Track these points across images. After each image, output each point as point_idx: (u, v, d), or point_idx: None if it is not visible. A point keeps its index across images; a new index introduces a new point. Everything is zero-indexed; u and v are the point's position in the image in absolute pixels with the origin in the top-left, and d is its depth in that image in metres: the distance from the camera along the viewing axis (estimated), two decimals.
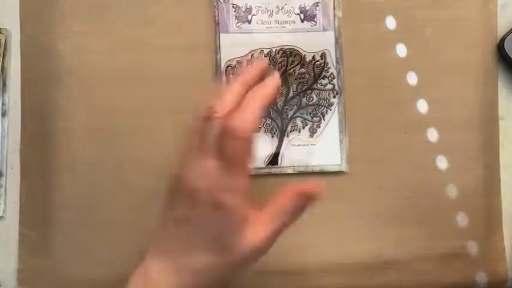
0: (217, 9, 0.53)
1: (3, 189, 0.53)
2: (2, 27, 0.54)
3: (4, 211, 0.53)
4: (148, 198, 0.53)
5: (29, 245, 0.53)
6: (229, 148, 0.38)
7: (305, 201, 0.40)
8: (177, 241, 0.40)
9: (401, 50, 0.54)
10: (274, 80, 0.41)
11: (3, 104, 0.54)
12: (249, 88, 0.41)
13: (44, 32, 0.54)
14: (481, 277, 0.53)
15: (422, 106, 0.54)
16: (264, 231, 0.39)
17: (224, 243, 0.39)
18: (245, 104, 0.39)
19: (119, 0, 0.54)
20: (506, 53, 0.53)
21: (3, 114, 0.54)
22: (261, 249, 0.40)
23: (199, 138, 0.39)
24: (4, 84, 0.54)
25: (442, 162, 0.54)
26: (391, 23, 0.54)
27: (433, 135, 0.54)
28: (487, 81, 0.54)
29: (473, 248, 0.53)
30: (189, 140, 0.41)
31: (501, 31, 0.54)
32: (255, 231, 0.39)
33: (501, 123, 0.54)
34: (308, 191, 0.40)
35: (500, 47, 0.54)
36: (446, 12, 0.54)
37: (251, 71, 0.42)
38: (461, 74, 0.54)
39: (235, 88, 0.40)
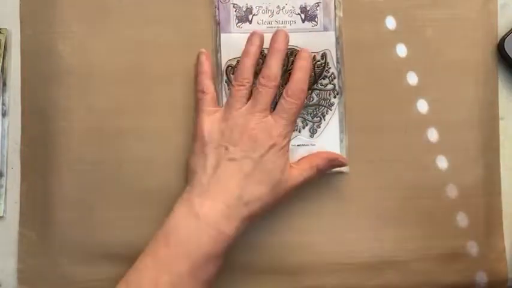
0: (218, 9, 0.53)
1: (3, 189, 0.53)
2: (2, 27, 0.54)
3: (4, 211, 0.53)
4: (148, 198, 0.53)
5: (29, 245, 0.53)
6: (287, 105, 0.49)
7: (333, 166, 0.52)
8: (233, 176, 0.47)
9: (401, 50, 0.54)
10: (305, 51, 0.52)
11: (3, 104, 0.54)
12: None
13: (44, 32, 0.54)
14: (481, 277, 0.53)
15: (422, 106, 0.54)
16: (300, 175, 0.50)
17: (276, 176, 0.48)
18: (295, 73, 0.50)
19: (119, 0, 0.54)
20: (507, 53, 0.53)
21: (4, 114, 0.54)
22: (294, 189, 0.49)
23: (256, 101, 0.49)
24: (4, 84, 0.54)
25: (442, 162, 0.54)
26: (391, 23, 0.54)
27: (433, 135, 0.54)
28: (487, 81, 0.54)
29: (473, 248, 0.53)
30: (237, 99, 0.49)
31: (501, 31, 0.54)
32: (294, 174, 0.49)
33: (501, 123, 0.54)
34: (338, 160, 0.52)
35: (500, 47, 0.54)
36: (447, 12, 0.54)
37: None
38: (462, 74, 0.54)
39: (277, 60, 0.50)
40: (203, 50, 0.52)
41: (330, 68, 0.53)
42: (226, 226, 0.46)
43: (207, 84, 0.51)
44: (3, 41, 0.54)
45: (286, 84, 0.50)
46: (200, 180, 0.48)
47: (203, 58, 0.52)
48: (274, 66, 0.49)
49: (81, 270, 0.53)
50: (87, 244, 0.53)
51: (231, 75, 0.52)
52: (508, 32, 0.54)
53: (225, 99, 0.52)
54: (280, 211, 0.53)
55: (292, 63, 0.52)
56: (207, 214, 0.46)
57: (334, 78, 0.53)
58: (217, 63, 0.53)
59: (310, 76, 0.53)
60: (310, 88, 0.53)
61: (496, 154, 0.54)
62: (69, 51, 0.53)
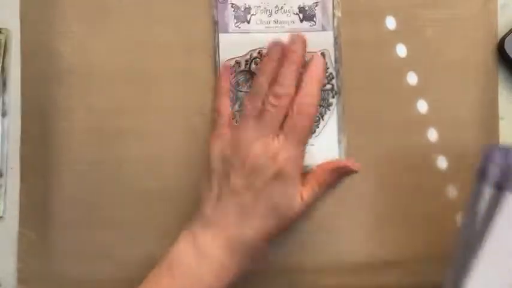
0: (216, 8, 0.53)
1: (3, 189, 0.53)
2: (2, 27, 0.54)
3: (4, 211, 0.53)
4: (148, 198, 0.53)
5: (29, 245, 0.53)
6: (294, 123, 0.45)
7: (342, 175, 0.49)
8: (234, 210, 0.44)
9: (401, 50, 0.54)
10: (319, 60, 0.47)
11: (3, 104, 0.54)
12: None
13: (45, 32, 0.54)
14: None
15: (422, 106, 0.54)
16: (308, 196, 0.46)
17: (282, 208, 0.44)
18: (304, 85, 0.46)
19: (119, 0, 0.54)
20: (507, 53, 0.53)
21: (4, 114, 0.54)
22: (303, 212, 0.46)
23: (264, 122, 0.45)
24: (4, 84, 0.54)
25: (442, 162, 0.53)
26: (391, 23, 0.54)
27: (433, 135, 0.54)
28: (487, 81, 0.54)
29: None
30: (245, 121, 0.46)
31: (501, 31, 0.54)
32: (303, 199, 0.46)
33: (501, 123, 0.54)
34: (347, 167, 0.48)
35: (500, 47, 0.54)
36: (447, 12, 0.54)
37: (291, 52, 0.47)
38: (462, 74, 0.54)
39: (291, 75, 0.46)
40: (226, 62, 0.50)
41: (328, 68, 0.53)
42: (229, 261, 0.44)
43: (223, 104, 0.48)
44: (3, 41, 0.54)
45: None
46: (204, 211, 0.46)
47: (223, 71, 0.49)
48: (287, 83, 0.45)
49: (81, 270, 0.53)
50: (87, 244, 0.53)
51: (230, 75, 0.52)
52: (508, 32, 0.53)
53: None
54: None
55: None
56: (209, 248, 0.44)
57: (333, 78, 0.53)
58: (215, 64, 0.53)
59: None
60: None
61: None
62: (69, 51, 0.53)
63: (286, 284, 0.53)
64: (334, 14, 0.53)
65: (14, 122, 0.54)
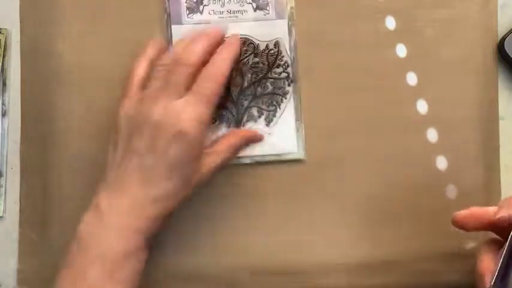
0: (168, 0, 0.53)
1: (3, 189, 0.53)
2: (2, 27, 0.54)
3: (4, 211, 0.53)
4: None
5: (29, 245, 0.53)
6: (199, 85, 0.44)
7: (248, 144, 0.50)
8: (137, 172, 0.43)
9: (401, 50, 0.54)
10: (234, 37, 0.49)
11: (3, 104, 0.54)
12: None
13: (44, 32, 0.54)
14: None
15: (422, 106, 0.54)
16: (218, 158, 0.47)
17: (187, 171, 0.44)
18: (214, 55, 0.46)
19: (118, 0, 0.54)
20: (507, 53, 0.53)
21: (3, 114, 0.54)
22: (213, 174, 0.46)
23: (167, 82, 0.45)
24: (4, 84, 0.54)
25: (441, 163, 0.53)
26: (390, 23, 0.54)
27: (432, 135, 0.54)
28: (487, 81, 0.54)
29: (473, 248, 0.53)
30: (153, 82, 0.46)
31: (501, 31, 0.54)
32: (211, 159, 0.46)
33: (501, 123, 0.54)
34: (255, 137, 0.51)
35: (500, 47, 0.53)
36: (446, 12, 0.54)
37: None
38: (462, 74, 0.54)
39: (203, 45, 0.46)
40: (159, 38, 0.51)
41: (283, 56, 0.53)
42: (137, 223, 0.43)
43: (142, 67, 0.47)
44: (3, 41, 0.54)
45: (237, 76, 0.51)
46: (107, 175, 0.45)
47: (151, 43, 0.49)
48: (197, 50, 0.45)
49: None
50: None
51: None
52: (508, 32, 0.53)
53: None
54: (281, 211, 0.53)
55: (245, 53, 0.52)
56: (114, 213, 0.43)
57: (288, 66, 0.53)
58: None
59: (264, 65, 0.53)
60: (265, 77, 0.53)
61: (496, 154, 0.54)
62: (69, 51, 0.53)
63: (286, 285, 0.53)
64: (287, 3, 0.53)
65: (14, 122, 0.54)
